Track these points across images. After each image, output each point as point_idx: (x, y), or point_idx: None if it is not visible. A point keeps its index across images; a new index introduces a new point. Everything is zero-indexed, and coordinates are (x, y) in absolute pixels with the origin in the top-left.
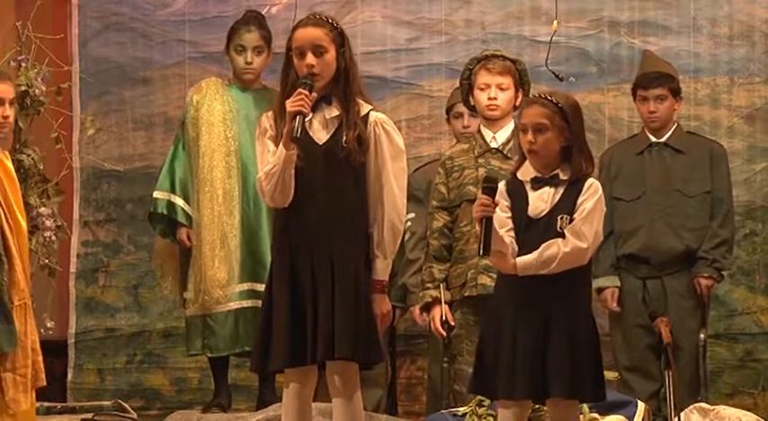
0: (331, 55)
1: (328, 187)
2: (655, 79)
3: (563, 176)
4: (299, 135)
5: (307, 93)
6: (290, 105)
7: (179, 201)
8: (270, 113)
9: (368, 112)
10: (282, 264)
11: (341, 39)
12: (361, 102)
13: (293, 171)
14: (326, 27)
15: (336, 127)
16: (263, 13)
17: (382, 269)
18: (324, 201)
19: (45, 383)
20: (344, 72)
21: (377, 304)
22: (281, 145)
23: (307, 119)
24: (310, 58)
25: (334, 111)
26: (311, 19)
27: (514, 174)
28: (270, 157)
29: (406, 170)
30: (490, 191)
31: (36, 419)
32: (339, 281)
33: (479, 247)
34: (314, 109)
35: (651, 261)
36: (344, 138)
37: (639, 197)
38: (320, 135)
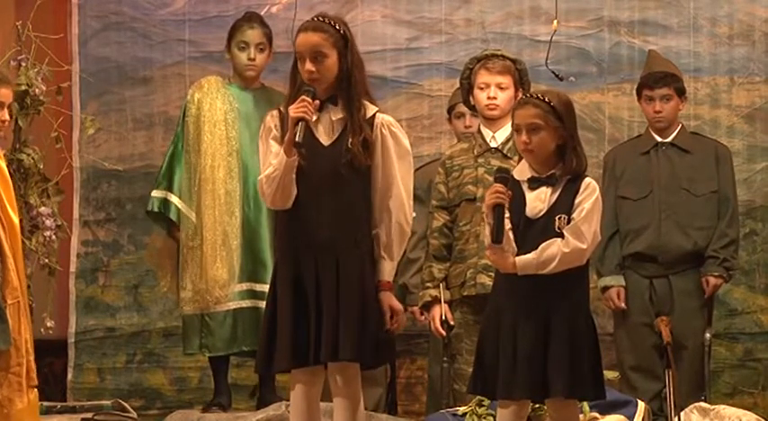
0: (332, 60)
1: (332, 189)
2: (660, 79)
3: (559, 176)
4: (300, 140)
5: (309, 100)
6: (292, 111)
7: (174, 199)
8: (275, 112)
9: (374, 114)
10: (286, 266)
11: (343, 41)
12: (366, 103)
13: (294, 176)
14: (327, 31)
15: (341, 129)
16: (262, 12)
17: (388, 270)
18: (328, 202)
19: (36, 383)
20: (347, 74)
21: (384, 302)
22: (282, 151)
23: (312, 120)
24: (309, 65)
25: (339, 114)
26: (312, 23)
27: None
28: (272, 159)
29: (412, 172)
30: (503, 180)
31: (40, 419)
32: (344, 282)
33: (492, 235)
34: (320, 110)
35: (659, 259)
36: (349, 141)
37: (646, 196)
38: (325, 137)
